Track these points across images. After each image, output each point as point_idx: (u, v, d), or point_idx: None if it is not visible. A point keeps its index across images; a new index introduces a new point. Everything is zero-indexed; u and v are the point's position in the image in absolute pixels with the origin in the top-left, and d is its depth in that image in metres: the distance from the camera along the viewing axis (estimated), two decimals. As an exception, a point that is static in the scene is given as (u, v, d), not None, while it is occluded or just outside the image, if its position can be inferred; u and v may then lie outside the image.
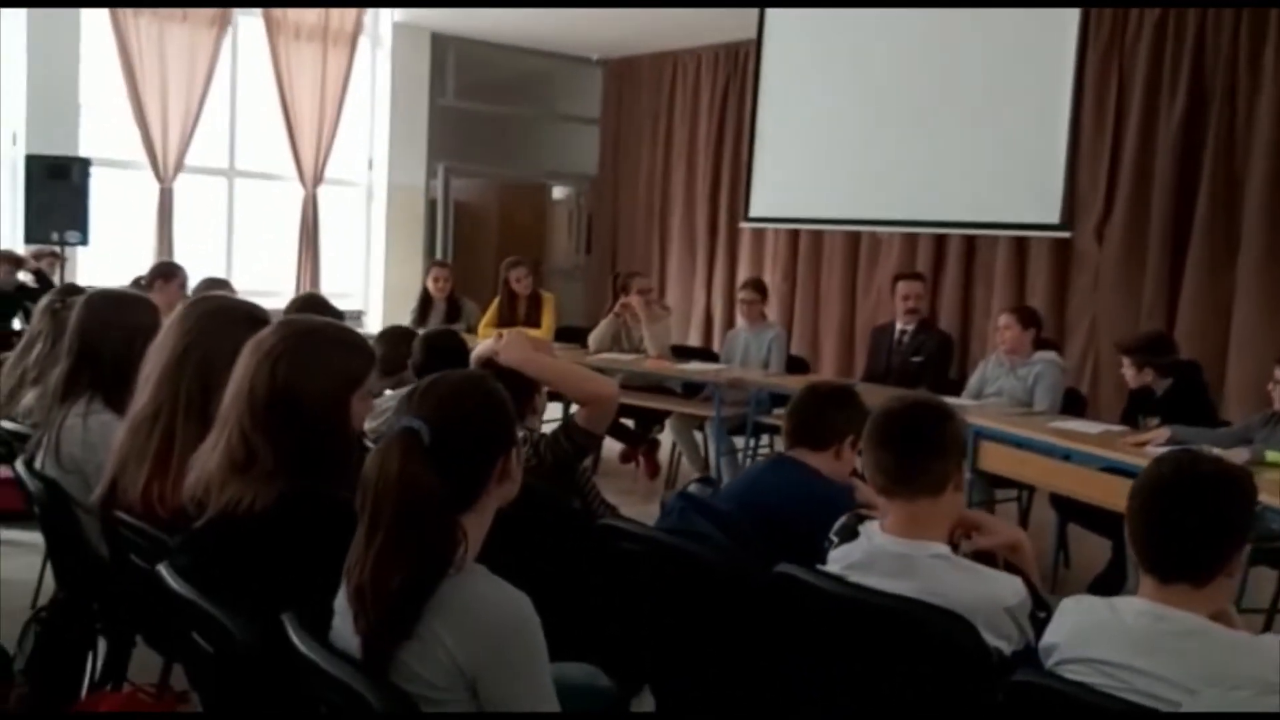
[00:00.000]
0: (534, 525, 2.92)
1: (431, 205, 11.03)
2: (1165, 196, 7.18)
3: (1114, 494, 4.34)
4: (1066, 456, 4.68)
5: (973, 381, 5.75)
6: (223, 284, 5.21)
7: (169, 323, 2.49)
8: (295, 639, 1.73)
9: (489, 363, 2.96)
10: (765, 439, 6.34)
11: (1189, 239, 7.08)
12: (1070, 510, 4.84)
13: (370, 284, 10.88)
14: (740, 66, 10.15)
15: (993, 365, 5.70)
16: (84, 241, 8.81)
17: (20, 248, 8.43)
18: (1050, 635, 1.98)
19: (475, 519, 1.76)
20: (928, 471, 2.21)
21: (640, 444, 6.72)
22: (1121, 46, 7.43)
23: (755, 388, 5.99)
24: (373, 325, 10.31)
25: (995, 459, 4.86)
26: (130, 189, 9.64)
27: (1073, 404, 5.49)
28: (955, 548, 2.28)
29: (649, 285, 6.66)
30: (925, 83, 8.31)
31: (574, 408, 3.09)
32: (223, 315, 2.44)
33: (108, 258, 9.25)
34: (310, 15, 10.10)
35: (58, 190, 8.57)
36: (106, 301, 2.98)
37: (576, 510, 2.81)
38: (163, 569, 2.05)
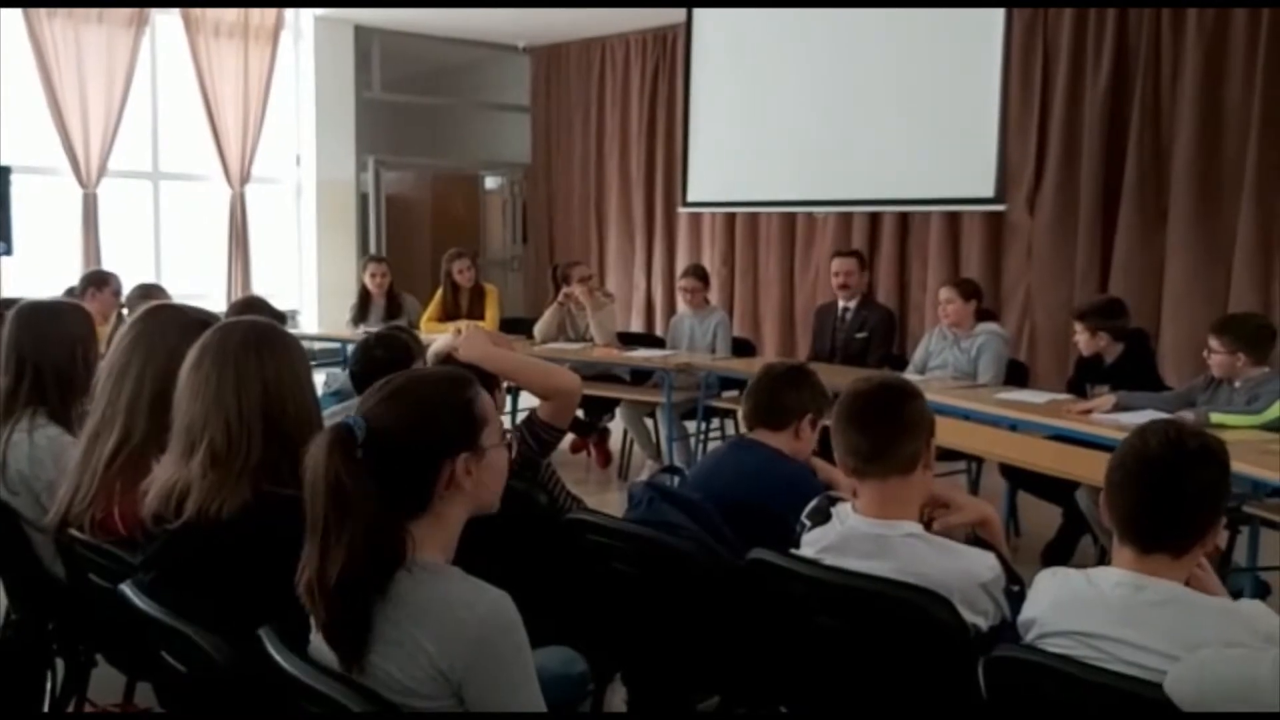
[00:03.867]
0: (502, 522, 2.90)
1: (363, 199, 10.89)
2: (1094, 165, 7.30)
3: (1063, 461, 4.41)
4: (1014, 427, 4.74)
5: (917, 356, 5.80)
6: (158, 290, 5.09)
7: (120, 334, 2.42)
8: (273, 652, 1.69)
9: (448, 359, 2.92)
10: (716, 423, 6.36)
11: (1118, 206, 7.21)
12: (1020, 479, 4.90)
13: (304, 283, 10.71)
14: (669, 51, 10.14)
15: (936, 339, 5.75)
16: (8, 252, 8.59)
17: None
18: (1029, 609, 2.00)
19: (434, 523, 1.71)
20: (899, 451, 2.22)
21: (590, 434, 6.69)
22: (1045, 18, 7.53)
23: (704, 371, 5.99)
24: (308, 325, 10.17)
25: (944, 432, 4.86)
26: (53, 196, 9.39)
27: (1016, 374, 5.57)
28: (927, 526, 2.30)
29: (589, 273, 6.63)
30: (856, 62, 8.38)
31: (534, 401, 3.05)
32: (176, 325, 2.37)
33: (34, 267, 9.01)
34: (229, 12, 9.89)
35: (-24, 199, 8.33)
36: (39, 313, 2.89)
37: (544, 505, 2.78)
38: (127, 588, 2.00)
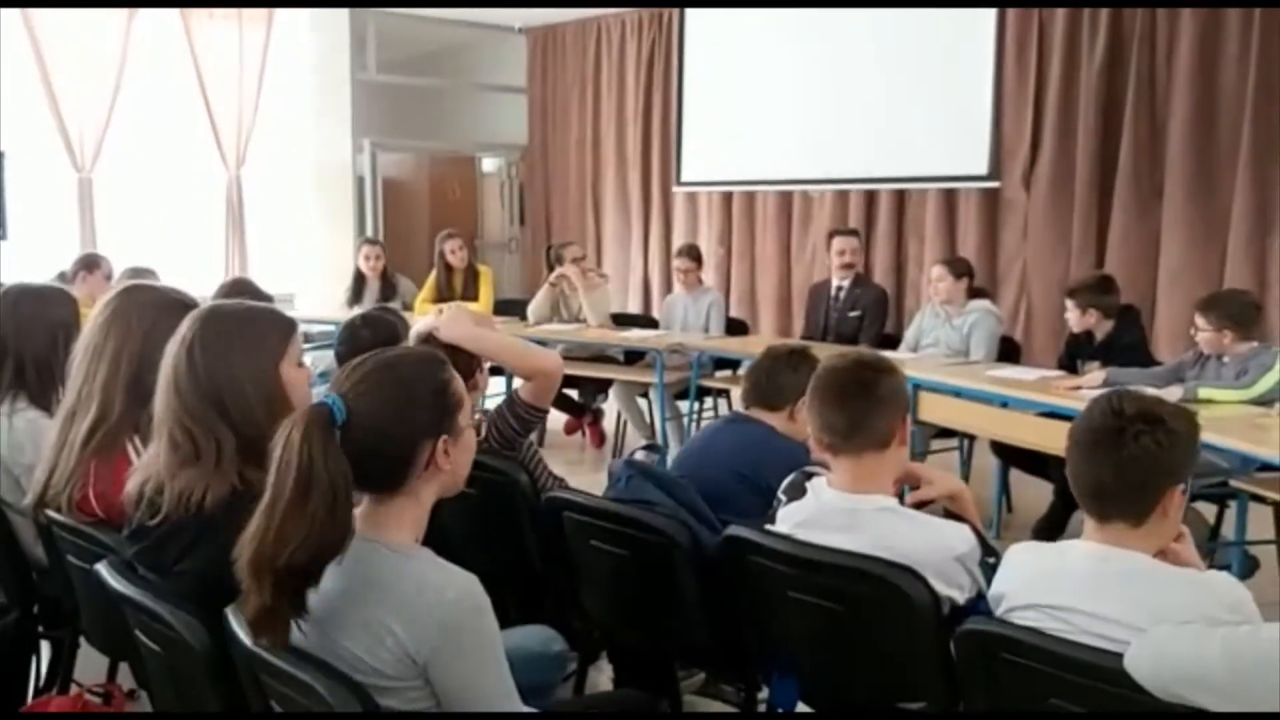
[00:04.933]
0: (483, 501, 2.91)
1: (359, 182, 10.86)
2: (1089, 142, 7.27)
3: (1053, 438, 4.40)
4: (1004, 404, 4.74)
5: (909, 334, 5.80)
6: (148, 273, 5.09)
7: (94, 314, 2.42)
8: (239, 632, 1.69)
9: (429, 339, 2.92)
10: (709, 402, 6.36)
11: (1113, 183, 7.19)
12: (1011, 456, 4.91)
13: (301, 265, 10.69)
14: (665, 30, 10.08)
15: (928, 317, 5.75)
16: (2, 237, 8.59)
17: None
18: (999, 583, 2.01)
19: (407, 504, 1.72)
20: (873, 426, 2.23)
21: (584, 414, 6.71)
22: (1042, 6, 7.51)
23: (697, 351, 5.99)
24: (306, 307, 10.15)
25: (935, 409, 4.92)
26: (49, 181, 9.38)
27: (1008, 352, 5.56)
28: (900, 500, 2.31)
29: (582, 253, 6.61)
30: (850, 40, 8.34)
31: (517, 382, 3.06)
32: (152, 304, 2.37)
33: (30, 252, 9.01)
34: (224, -7, 9.86)
35: (-30, 185, 8.33)
36: (24, 297, 2.89)
37: (525, 484, 2.78)
38: (103, 569, 2.01)
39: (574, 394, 6.69)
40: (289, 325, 2.14)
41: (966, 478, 5.36)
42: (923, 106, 7.91)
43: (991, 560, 2.22)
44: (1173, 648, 1.64)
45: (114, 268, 5.98)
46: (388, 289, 7.17)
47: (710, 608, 2.44)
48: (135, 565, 1.99)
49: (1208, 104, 6.70)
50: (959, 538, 2.18)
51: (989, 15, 7.49)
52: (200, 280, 9.92)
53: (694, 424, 6.33)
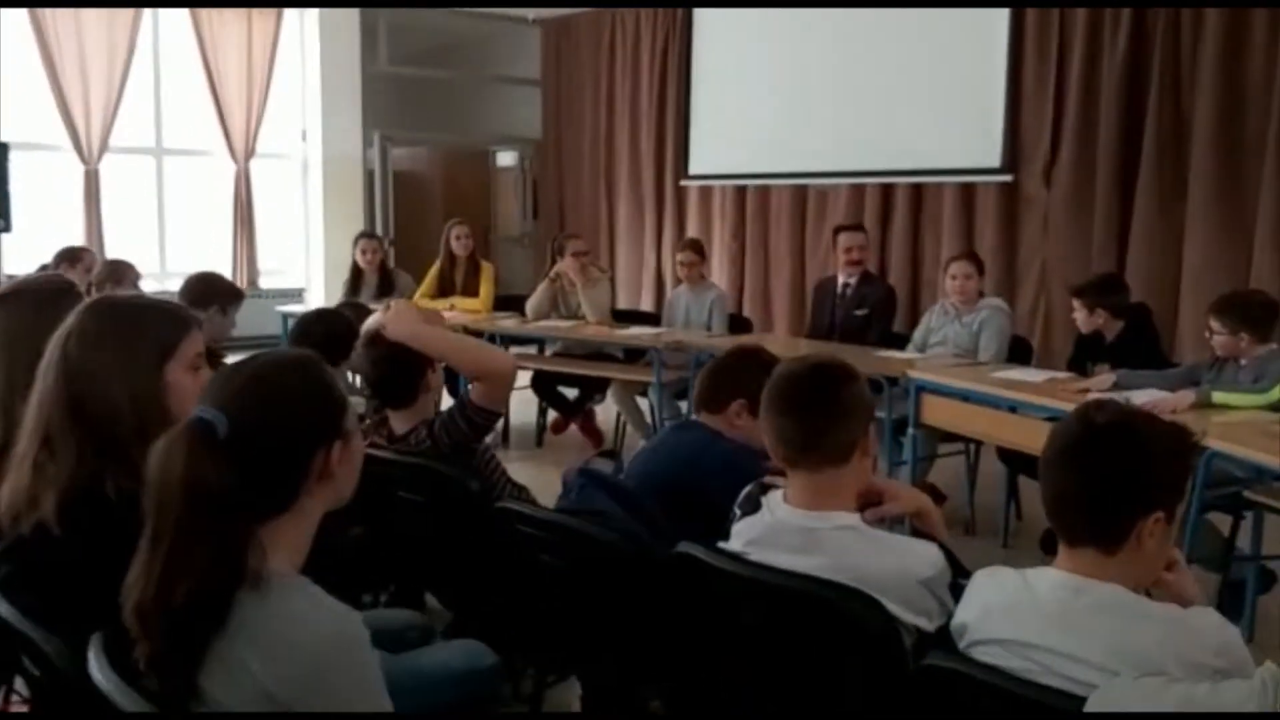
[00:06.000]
0: (432, 509, 2.74)
1: (370, 176, 10.73)
2: (1111, 137, 7.04)
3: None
4: (1013, 409, 4.51)
5: (918, 333, 5.59)
6: (125, 266, 4.96)
7: None
8: (93, 666, 1.52)
9: (376, 338, 2.76)
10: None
11: (1136, 178, 6.95)
12: (1018, 462, 4.69)
13: (310, 259, 10.59)
14: (680, 22, 9.88)
15: (938, 315, 5.54)
16: (6, 229, 8.52)
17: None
18: (962, 612, 1.81)
19: (293, 523, 1.53)
20: (832, 438, 2.03)
21: (576, 413, 6.51)
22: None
23: (697, 350, 5.80)
24: (314, 302, 10.04)
25: (939, 413, 4.71)
26: (55, 172, 9.32)
27: (1019, 352, 5.33)
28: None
29: (584, 247, 6.41)
30: (864, 31, 8.15)
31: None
32: (31, 303, 2.20)
33: (35, 244, 8.94)
34: (233, -16, 9.76)
35: (-27, 177, 8.27)
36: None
37: (474, 493, 2.61)
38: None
39: (574, 392, 6.52)
40: (184, 324, 1.96)
41: (973, 483, 5.16)
42: (937, 99, 7.70)
43: (964, 582, 2.02)
44: (1126, 702, 1.44)
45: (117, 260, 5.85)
46: (385, 284, 7.01)
47: (660, 627, 2.26)
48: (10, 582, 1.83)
49: (1233, 98, 6.46)
50: (925, 560, 1.99)
51: (1003, 7, 7.27)
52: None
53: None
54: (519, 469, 3.13)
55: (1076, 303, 4.88)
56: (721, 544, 2.15)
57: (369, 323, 2.81)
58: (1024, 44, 7.40)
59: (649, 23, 10.28)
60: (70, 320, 1.86)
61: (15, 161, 8.59)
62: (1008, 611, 1.71)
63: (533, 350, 6.79)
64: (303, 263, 10.64)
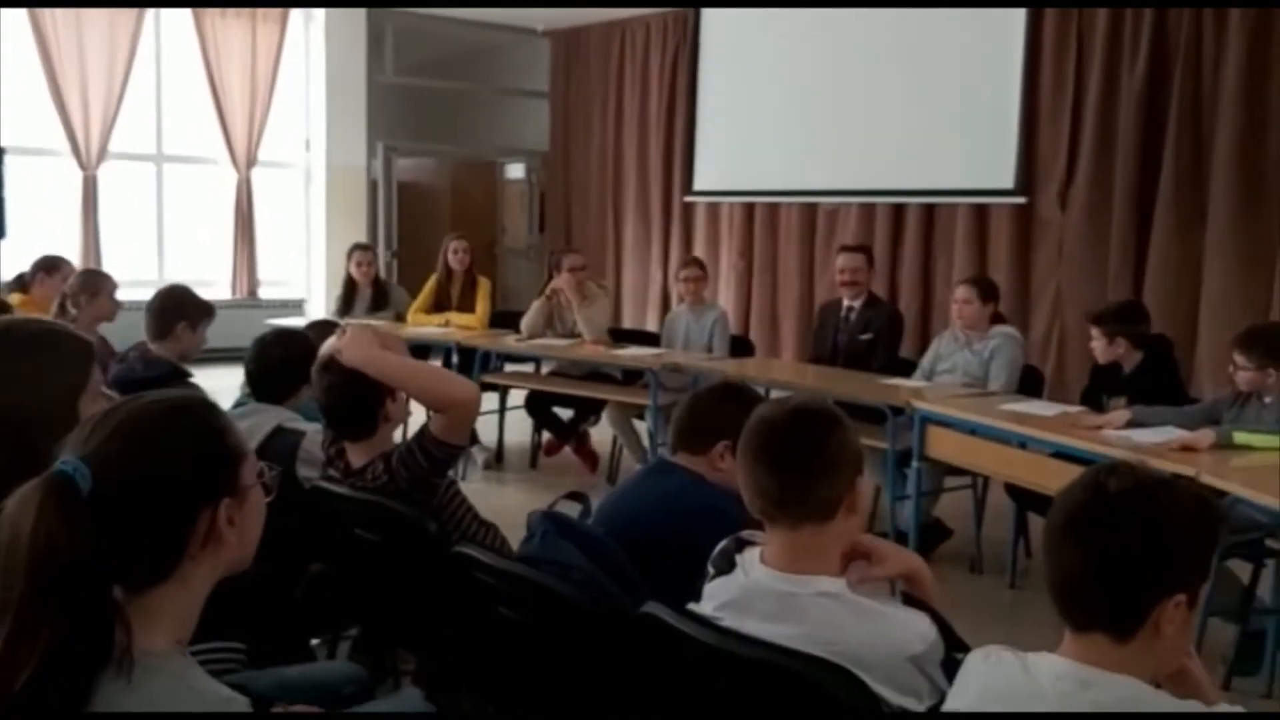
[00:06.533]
0: (387, 549, 2.54)
1: (373, 186, 10.57)
2: (1129, 160, 6.85)
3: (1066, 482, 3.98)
4: (1023, 444, 4.28)
5: (925, 360, 5.37)
6: (100, 277, 4.78)
7: None
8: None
9: (330, 364, 2.56)
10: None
11: (1154, 204, 6.75)
12: (1026, 499, 4.46)
13: (311, 270, 10.42)
14: (690, 34, 9.71)
15: (946, 341, 5.32)
16: (1, 235, 8.37)
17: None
18: (954, 699, 1.60)
19: (175, 593, 1.32)
20: (815, 493, 1.82)
21: (568, 436, 6.30)
22: (1081, 9, 7.07)
23: (695, 373, 5.59)
24: (315, 314, 9.87)
25: (945, 445, 4.49)
26: (52, 178, 9.18)
27: (1030, 383, 5.11)
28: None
29: (580, 262, 6.19)
30: (875, 47, 7.99)
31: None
32: None
33: (30, 251, 8.78)
34: (237, -10, 9.63)
35: (-33, 181, 8.13)
36: None
37: (431, 534, 2.41)
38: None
39: (569, 413, 6.31)
40: (90, 350, 1.78)
41: (980, 519, 4.94)
42: (951, 118, 7.53)
43: (959, 656, 1.80)
44: None
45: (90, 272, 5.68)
46: (379, 297, 6.83)
47: (623, 689, 2.05)
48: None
49: (1255, 122, 6.27)
50: (915, 633, 1.77)
51: (1019, 22, 7.08)
52: (207, 283, 9.74)
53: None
54: (512, 491, 2.92)
55: (1095, 331, 4.64)
56: (692, 605, 1.94)
57: (324, 348, 2.60)
58: (1040, 63, 7.22)
59: (659, 35, 10.11)
60: None
61: (12, 166, 8.45)
62: (1006, 701, 1.49)
63: (529, 369, 6.59)
64: (303, 273, 10.47)
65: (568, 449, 6.42)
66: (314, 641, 3.04)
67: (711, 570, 1.97)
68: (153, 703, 1.22)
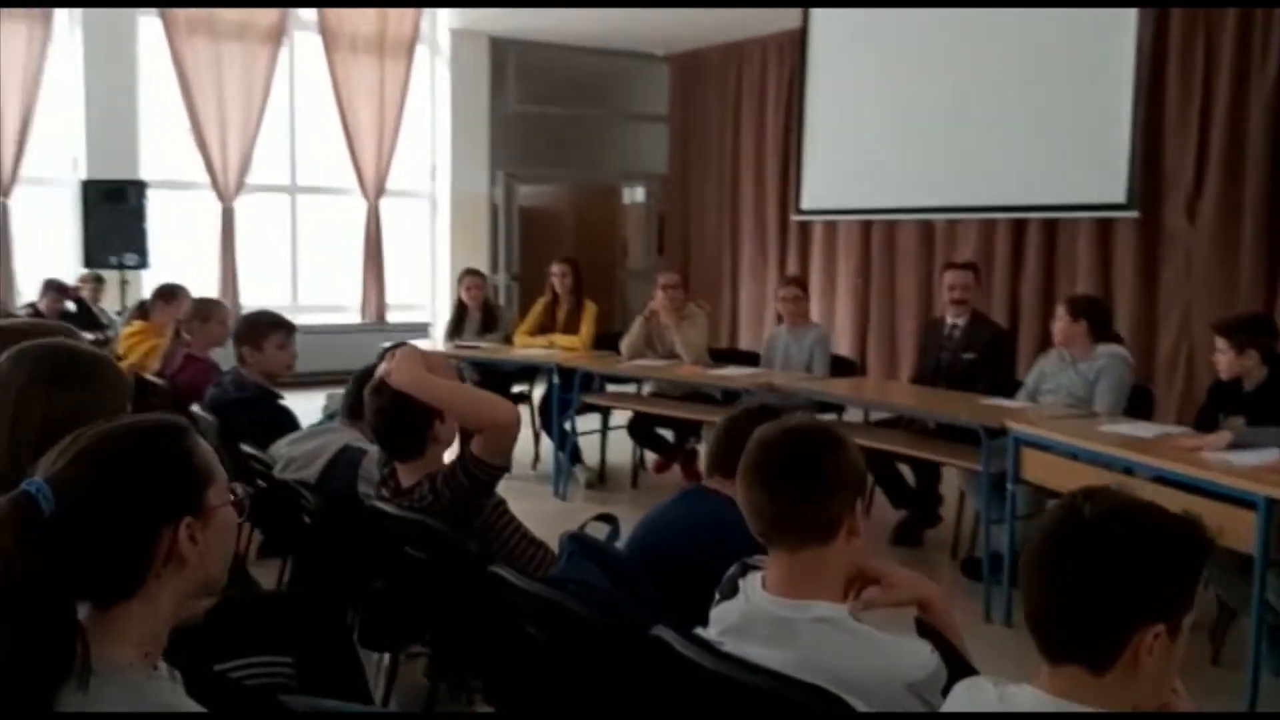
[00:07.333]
0: (431, 569, 2.60)
1: (494, 212, 10.80)
2: (1260, 170, 6.58)
3: (1170, 507, 3.79)
4: (1130, 470, 4.07)
5: (1030, 380, 5.19)
6: (214, 304, 5.04)
7: None
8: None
9: (381, 387, 2.64)
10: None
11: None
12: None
13: (436, 295, 10.70)
14: (798, 52, 9.67)
15: (1052, 360, 5.14)
16: (143, 265, 8.83)
17: (80, 272, 8.49)
18: (936, 728, 1.55)
19: (142, 609, 1.38)
20: (813, 516, 1.79)
21: (676, 454, 6.32)
22: (1208, 13, 6.79)
23: (791, 393, 5.54)
24: (439, 337, 10.13)
25: (1039, 468, 4.33)
26: (193, 209, 9.66)
27: (1139, 404, 4.89)
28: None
29: (673, 280, 6.17)
30: (988, 60, 7.83)
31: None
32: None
33: (171, 278, 9.28)
34: (366, 25, 9.99)
35: (115, 214, 8.64)
36: None
37: (470, 554, 2.45)
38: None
39: (669, 434, 6.33)
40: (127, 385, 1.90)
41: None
42: (1064, 130, 7.31)
43: (969, 686, 1.75)
44: None
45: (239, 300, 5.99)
46: (488, 320, 6.97)
47: (635, 708, 2.05)
48: None
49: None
50: (914, 661, 1.73)
51: (1130, 28, 6.86)
52: (338, 309, 10.09)
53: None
54: (611, 509, 2.94)
55: (1222, 343, 4.36)
56: (699, 630, 1.93)
57: (379, 372, 2.69)
58: (1166, 69, 6.94)
59: (775, 57, 10.10)
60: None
61: (155, 199, 8.93)
62: (981, 734, 1.45)
63: (631, 389, 6.63)
64: (429, 298, 10.76)
65: (676, 467, 6.44)
66: (382, 657, 3.13)
67: (718, 595, 1.96)
68: (117, 706, 1.28)
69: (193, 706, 1.35)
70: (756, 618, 1.83)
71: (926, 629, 1.87)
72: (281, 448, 3.25)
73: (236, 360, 3.91)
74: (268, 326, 3.93)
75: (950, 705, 1.54)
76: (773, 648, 1.78)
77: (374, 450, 2.97)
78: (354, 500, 2.94)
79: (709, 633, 1.91)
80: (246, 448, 3.46)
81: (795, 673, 1.72)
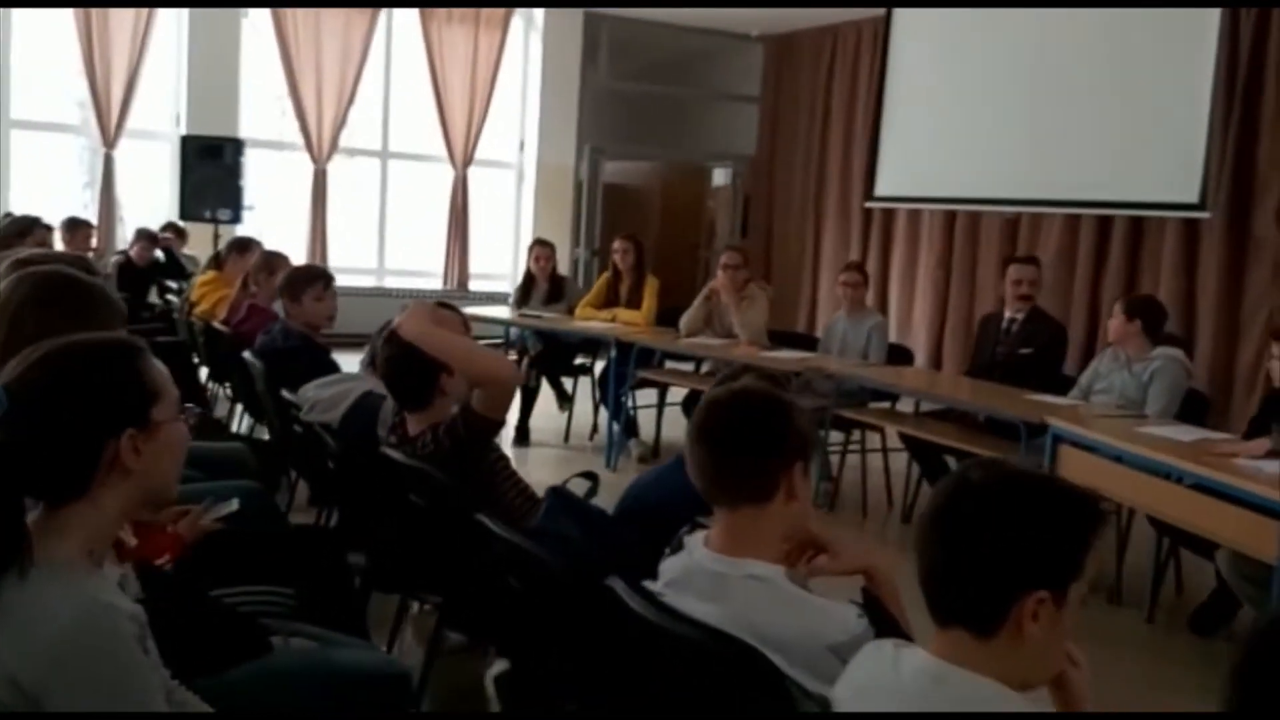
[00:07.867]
0: (427, 511, 2.70)
1: (579, 187, 10.92)
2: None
3: (1203, 514, 3.74)
4: (1177, 478, 3.99)
5: (1084, 378, 5.12)
6: (280, 257, 5.23)
7: None
8: None
9: (392, 337, 2.75)
10: (856, 435, 5.87)
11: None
12: (1170, 529, 4.20)
13: (518, 265, 10.84)
14: (882, 37, 9.56)
15: (1107, 360, 5.06)
16: (236, 219, 9.16)
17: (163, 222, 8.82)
18: (839, 685, 1.59)
19: (87, 511, 1.49)
20: (749, 474, 1.84)
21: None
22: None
23: (842, 378, 5.54)
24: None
25: (1076, 467, 4.28)
26: (287, 170, 9.97)
27: (1193, 409, 4.78)
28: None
29: (736, 260, 6.17)
30: (1073, 54, 7.68)
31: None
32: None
33: (263, 238, 9.59)
34: (461, -4, 10.16)
35: (212, 169, 8.96)
36: None
37: (460, 501, 2.54)
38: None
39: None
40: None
41: (1124, 546, 4.65)
42: (1134, 127, 7.20)
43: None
44: None
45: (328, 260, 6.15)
46: (555, 290, 7.07)
47: (593, 651, 2.13)
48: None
49: None
50: (838, 624, 1.76)
51: (1213, 28, 6.70)
52: (423, 274, 10.31)
53: (841, 456, 5.90)
54: None
55: (1278, 349, 4.28)
56: (647, 582, 1.99)
57: (394, 320, 2.80)
58: (1264, 73, 6.73)
59: (869, 38, 10.00)
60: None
61: (250, 158, 9.24)
62: (873, 692, 1.48)
63: (688, 367, 6.68)
64: (510, 268, 10.93)
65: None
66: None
67: (667, 550, 2.02)
68: (44, 598, 1.40)
69: (125, 602, 1.46)
70: (695, 572, 1.88)
71: (872, 599, 1.91)
72: (309, 390, 3.40)
73: (283, 313, 4.07)
74: (304, 279, 4.09)
75: (853, 665, 1.58)
76: (706, 601, 1.83)
77: (391, 399, 3.09)
78: (373, 444, 3.07)
79: (655, 585, 1.97)
80: (285, 393, 3.62)
81: (724, 626, 1.77)
